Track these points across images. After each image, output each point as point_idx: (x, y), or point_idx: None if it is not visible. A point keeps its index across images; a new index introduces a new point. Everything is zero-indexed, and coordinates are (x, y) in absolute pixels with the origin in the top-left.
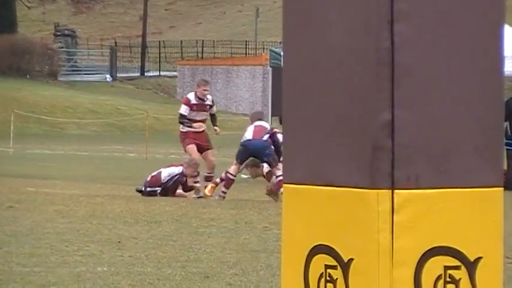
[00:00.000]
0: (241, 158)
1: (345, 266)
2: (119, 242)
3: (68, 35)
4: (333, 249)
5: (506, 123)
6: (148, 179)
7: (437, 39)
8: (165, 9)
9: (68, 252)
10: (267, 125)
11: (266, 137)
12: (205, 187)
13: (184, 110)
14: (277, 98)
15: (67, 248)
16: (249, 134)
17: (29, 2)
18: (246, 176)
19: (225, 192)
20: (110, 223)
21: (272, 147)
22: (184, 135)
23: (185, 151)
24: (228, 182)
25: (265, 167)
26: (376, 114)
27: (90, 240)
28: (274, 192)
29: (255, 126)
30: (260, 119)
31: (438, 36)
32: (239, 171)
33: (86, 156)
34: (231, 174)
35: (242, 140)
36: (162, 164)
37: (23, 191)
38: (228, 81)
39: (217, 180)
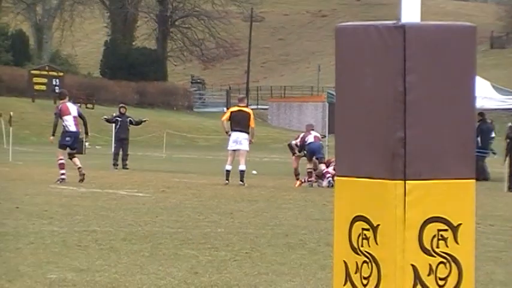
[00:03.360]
0: (309, 156)
1: (375, 229)
2: (231, 213)
3: (199, 82)
4: (366, 217)
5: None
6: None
7: (432, 84)
8: (261, 66)
9: (199, 220)
10: (318, 134)
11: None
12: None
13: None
14: (332, 122)
15: (199, 217)
16: (311, 139)
17: (175, 62)
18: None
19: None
20: (226, 201)
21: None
22: None
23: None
24: (311, 174)
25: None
26: (394, 132)
27: (213, 212)
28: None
29: (315, 136)
30: (312, 129)
31: (433, 83)
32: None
33: (210, 159)
34: (311, 168)
35: (307, 143)
36: (266, 165)
37: (171, 181)
38: (300, 112)
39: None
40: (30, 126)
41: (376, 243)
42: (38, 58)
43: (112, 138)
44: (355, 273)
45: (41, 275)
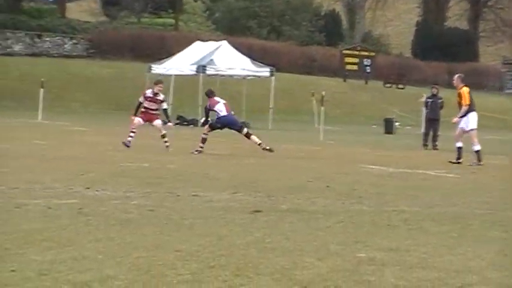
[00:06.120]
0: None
1: None
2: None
3: (511, 64)
4: None
5: None
6: None
7: None
8: None
9: (508, 202)
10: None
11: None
12: None
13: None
14: None
15: (508, 199)
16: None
17: (487, 43)
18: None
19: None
20: None
21: None
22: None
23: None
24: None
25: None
26: None
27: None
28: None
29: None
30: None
31: None
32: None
33: None
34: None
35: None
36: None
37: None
38: None
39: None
40: (341, 105)
41: None
42: (350, 38)
43: (422, 118)
44: None
45: (350, 254)
